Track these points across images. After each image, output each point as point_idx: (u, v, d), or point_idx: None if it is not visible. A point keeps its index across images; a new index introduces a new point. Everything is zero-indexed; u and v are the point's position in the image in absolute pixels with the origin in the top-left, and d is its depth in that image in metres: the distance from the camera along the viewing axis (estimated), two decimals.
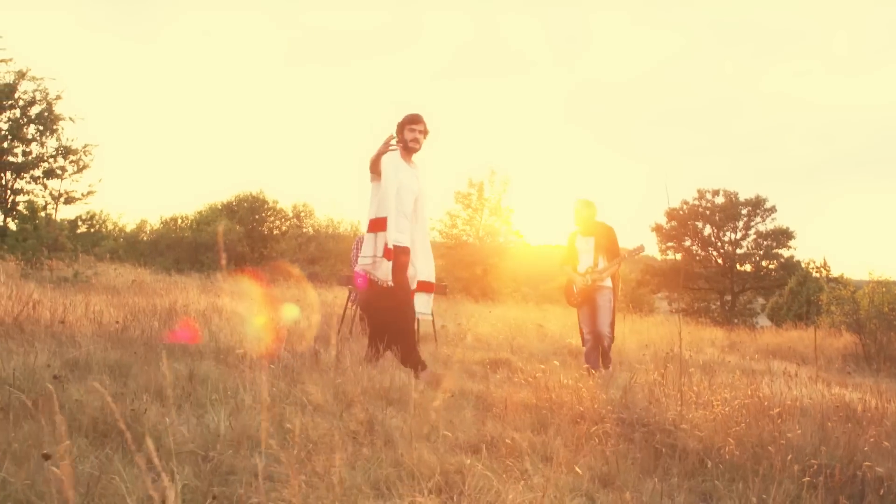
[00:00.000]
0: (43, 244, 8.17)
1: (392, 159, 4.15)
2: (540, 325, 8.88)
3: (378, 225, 4.10)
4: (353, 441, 2.47)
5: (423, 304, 4.47)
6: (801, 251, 36.78)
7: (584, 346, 5.45)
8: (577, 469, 2.26)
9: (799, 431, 2.76)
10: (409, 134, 4.21)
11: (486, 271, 24.45)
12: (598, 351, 5.32)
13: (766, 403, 3.14)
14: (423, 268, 4.40)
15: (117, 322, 4.33)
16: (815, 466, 2.38)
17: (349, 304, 6.16)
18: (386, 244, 4.04)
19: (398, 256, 4.13)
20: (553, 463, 2.46)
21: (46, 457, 1.35)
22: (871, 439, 2.59)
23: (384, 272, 4.04)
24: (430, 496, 1.90)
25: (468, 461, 2.20)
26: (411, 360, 4.11)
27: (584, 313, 5.40)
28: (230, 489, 1.86)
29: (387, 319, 4.13)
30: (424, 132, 4.27)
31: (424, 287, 4.44)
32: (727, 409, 3.16)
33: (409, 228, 4.29)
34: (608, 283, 5.33)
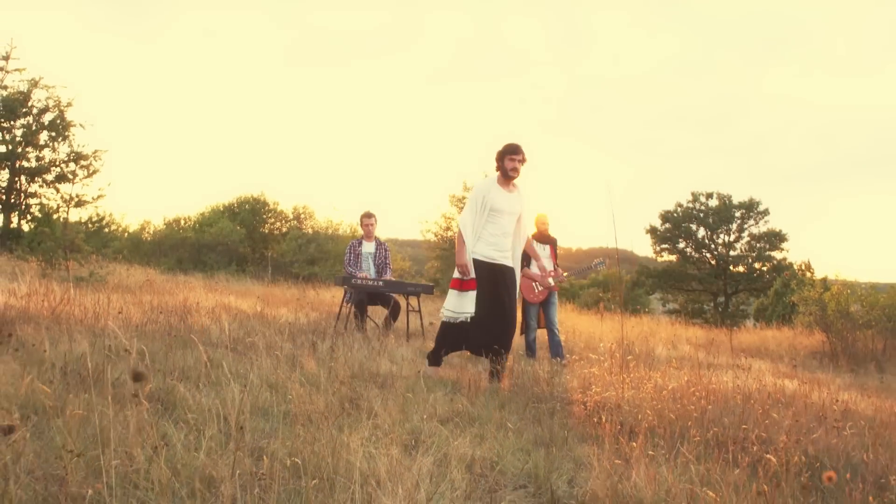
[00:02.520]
0: (59, 246, 8.77)
1: (481, 195, 4.65)
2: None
3: (468, 285, 4.56)
4: (342, 410, 3.05)
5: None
6: (803, 253, 37.18)
7: (527, 333, 6.43)
8: (516, 433, 2.85)
9: (709, 407, 3.35)
10: (509, 164, 4.65)
11: None
12: (536, 340, 6.39)
13: (691, 388, 3.73)
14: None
15: (158, 316, 4.91)
16: (713, 433, 2.98)
17: (344, 303, 6.73)
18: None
19: (492, 271, 4.60)
20: (504, 430, 3.05)
21: (138, 377, 1.89)
22: (760, 411, 3.18)
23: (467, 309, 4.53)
24: (397, 448, 2.48)
25: (431, 425, 2.79)
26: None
27: (536, 308, 6.37)
28: (245, 442, 2.45)
29: (494, 326, 4.56)
30: (522, 160, 4.70)
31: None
32: (663, 392, 3.76)
33: (510, 247, 4.74)
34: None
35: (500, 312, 4.57)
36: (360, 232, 6.94)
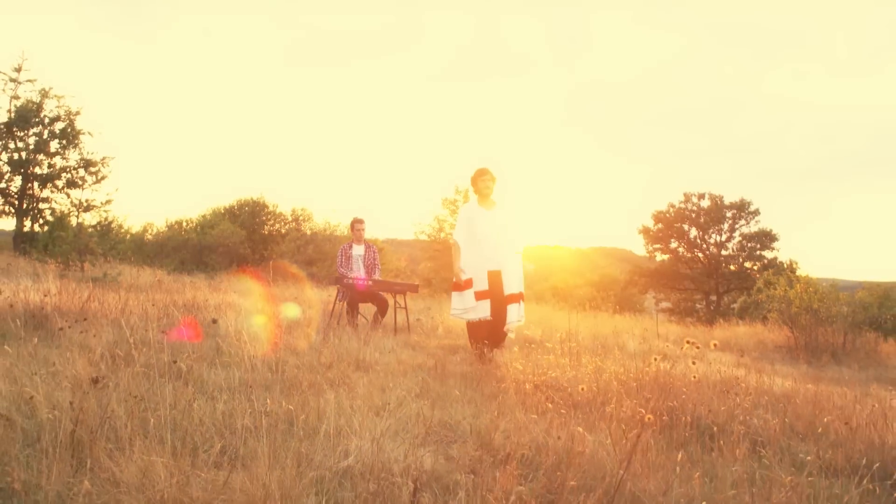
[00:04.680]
0: (74, 248, 9.47)
1: (465, 216, 5.45)
2: None
3: (465, 285, 5.35)
4: (330, 387, 3.74)
5: (515, 313, 5.40)
6: (802, 252, 37.82)
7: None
8: (471, 402, 3.53)
9: (635, 384, 4.04)
10: (482, 184, 5.43)
11: None
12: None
13: (622, 369, 4.42)
14: (511, 282, 5.44)
15: (172, 312, 5.59)
16: (637, 401, 3.66)
17: (337, 300, 7.40)
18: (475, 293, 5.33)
19: (491, 277, 5.36)
20: (461, 402, 3.73)
21: (214, 320, 2.57)
22: (683, 387, 3.87)
23: (482, 312, 5.30)
24: (373, 413, 3.17)
25: (399, 395, 3.47)
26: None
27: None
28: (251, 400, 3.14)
29: (488, 327, 5.35)
30: (493, 179, 5.43)
31: (513, 298, 5.41)
32: (603, 375, 4.45)
33: (497, 256, 5.40)
34: None
35: (493, 312, 5.36)
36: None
